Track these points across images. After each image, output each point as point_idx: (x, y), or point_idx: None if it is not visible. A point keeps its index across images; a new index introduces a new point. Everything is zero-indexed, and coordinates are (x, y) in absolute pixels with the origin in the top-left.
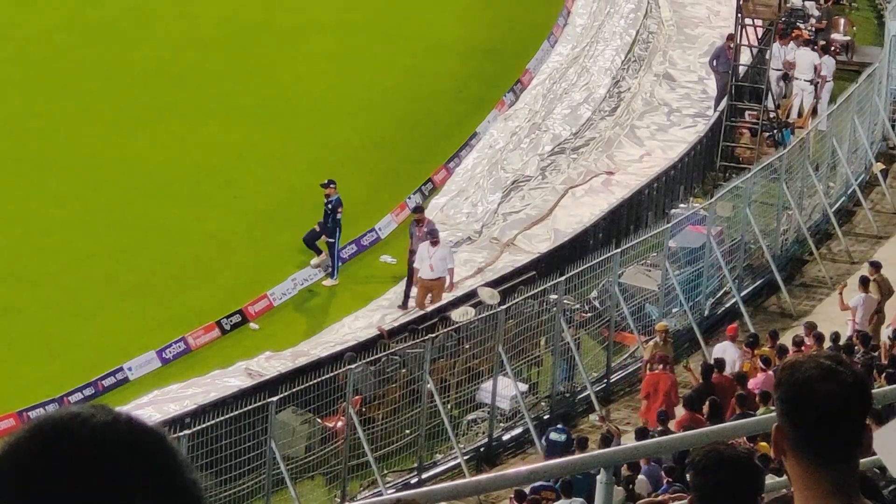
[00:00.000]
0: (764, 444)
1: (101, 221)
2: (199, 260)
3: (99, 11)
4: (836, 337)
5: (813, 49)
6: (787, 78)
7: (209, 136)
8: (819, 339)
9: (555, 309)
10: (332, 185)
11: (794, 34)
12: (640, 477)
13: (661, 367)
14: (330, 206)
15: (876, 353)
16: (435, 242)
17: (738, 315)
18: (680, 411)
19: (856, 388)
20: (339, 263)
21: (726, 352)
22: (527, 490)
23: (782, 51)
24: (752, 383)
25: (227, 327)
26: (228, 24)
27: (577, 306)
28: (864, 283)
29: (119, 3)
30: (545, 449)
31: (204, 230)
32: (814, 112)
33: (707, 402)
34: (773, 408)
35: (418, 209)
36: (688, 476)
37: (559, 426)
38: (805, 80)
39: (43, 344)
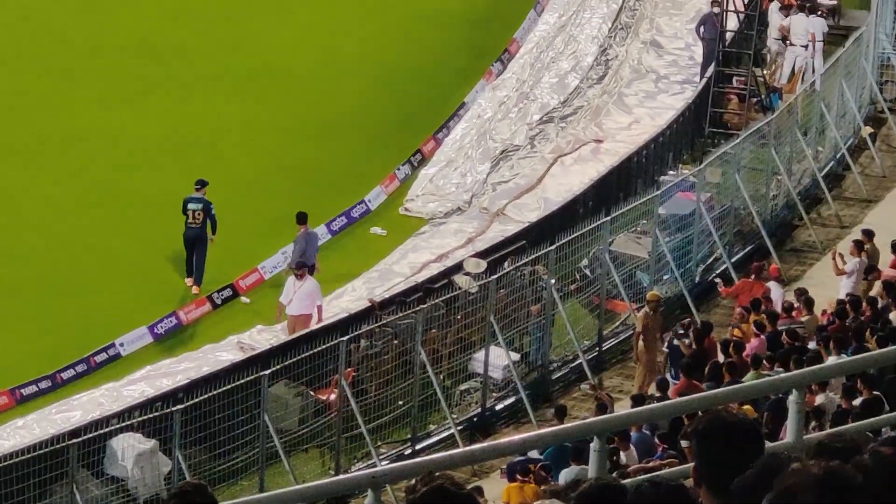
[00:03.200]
0: (748, 407)
1: (90, 197)
2: None
3: None
4: (840, 303)
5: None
6: (784, 42)
7: (196, 109)
8: (809, 303)
9: (531, 278)
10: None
11: (784, 1)
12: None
13: (753, 276)
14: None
15: (863, 318)
16: (300, 276)
17: (731, 281)
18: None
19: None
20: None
21: (773, 291)
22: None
23: (779, 17)
24: (747, 349)
25: (219, 301)
26: None
27: (547, 276)
28: (858, 247)
29: None
30: (669, 355)
31: None
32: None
33: (708, 366)
34: (764, 372)
35: (301, 218)
36: (689, 442)
37: (680, 331)
38: (800, 46)
39: (35, 321)
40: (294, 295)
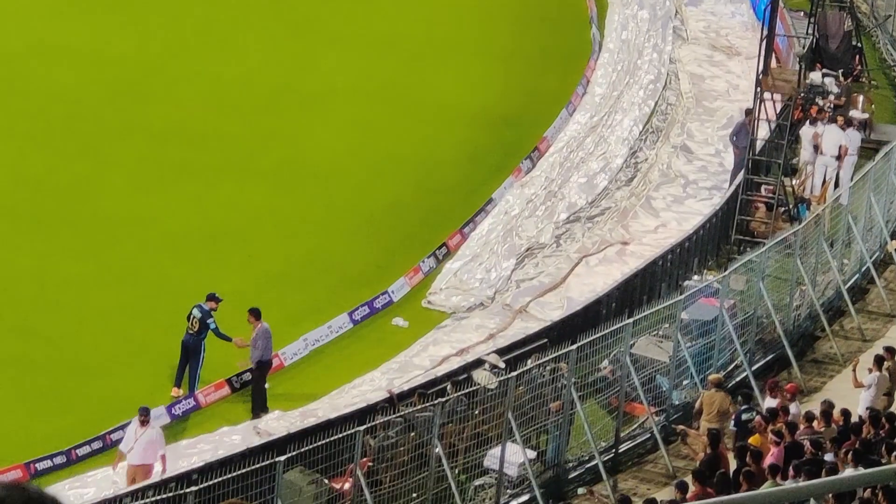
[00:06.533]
0: None
1: (115, 278)
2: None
3: (118, 70)
4: (846, 414)
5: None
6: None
7: (226, 197)
8: (826, 416)
9: (552, 376)
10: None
11: (813, 111)
12: None
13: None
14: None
15: (883, 433)
16: (144, 422)
17: (750, 389)
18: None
19: None
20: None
21: (793, 407)
22: None
23: (814, 129)
24: (767, 459)
25: (237, 385)
26: (248, 87)
27: (567, 374)
28: (878, 362)
29: (139, 62)
30: (736, 432)
31: (217, 290)
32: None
33: (718, 475)
34: (780, 482)
35: (257, 313)
36: None
37: (744, 406)
38: (831, 157)
39: (54, 397)
40: (135, 443)
